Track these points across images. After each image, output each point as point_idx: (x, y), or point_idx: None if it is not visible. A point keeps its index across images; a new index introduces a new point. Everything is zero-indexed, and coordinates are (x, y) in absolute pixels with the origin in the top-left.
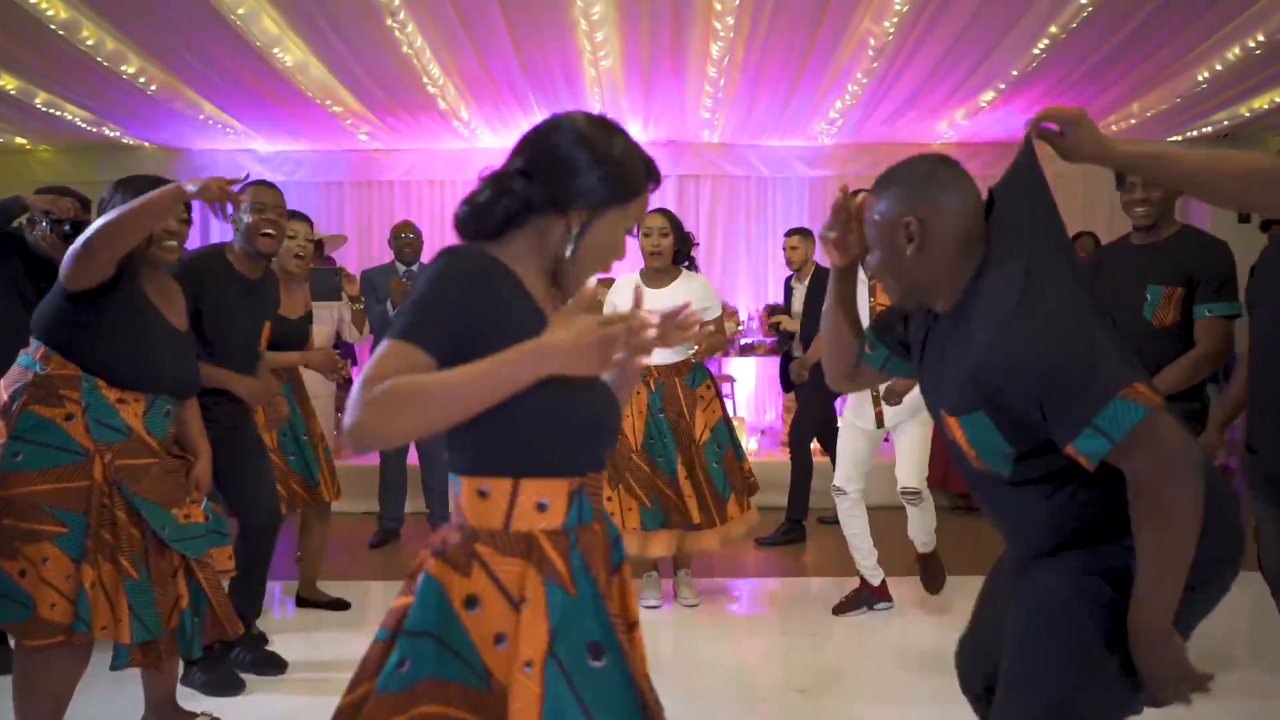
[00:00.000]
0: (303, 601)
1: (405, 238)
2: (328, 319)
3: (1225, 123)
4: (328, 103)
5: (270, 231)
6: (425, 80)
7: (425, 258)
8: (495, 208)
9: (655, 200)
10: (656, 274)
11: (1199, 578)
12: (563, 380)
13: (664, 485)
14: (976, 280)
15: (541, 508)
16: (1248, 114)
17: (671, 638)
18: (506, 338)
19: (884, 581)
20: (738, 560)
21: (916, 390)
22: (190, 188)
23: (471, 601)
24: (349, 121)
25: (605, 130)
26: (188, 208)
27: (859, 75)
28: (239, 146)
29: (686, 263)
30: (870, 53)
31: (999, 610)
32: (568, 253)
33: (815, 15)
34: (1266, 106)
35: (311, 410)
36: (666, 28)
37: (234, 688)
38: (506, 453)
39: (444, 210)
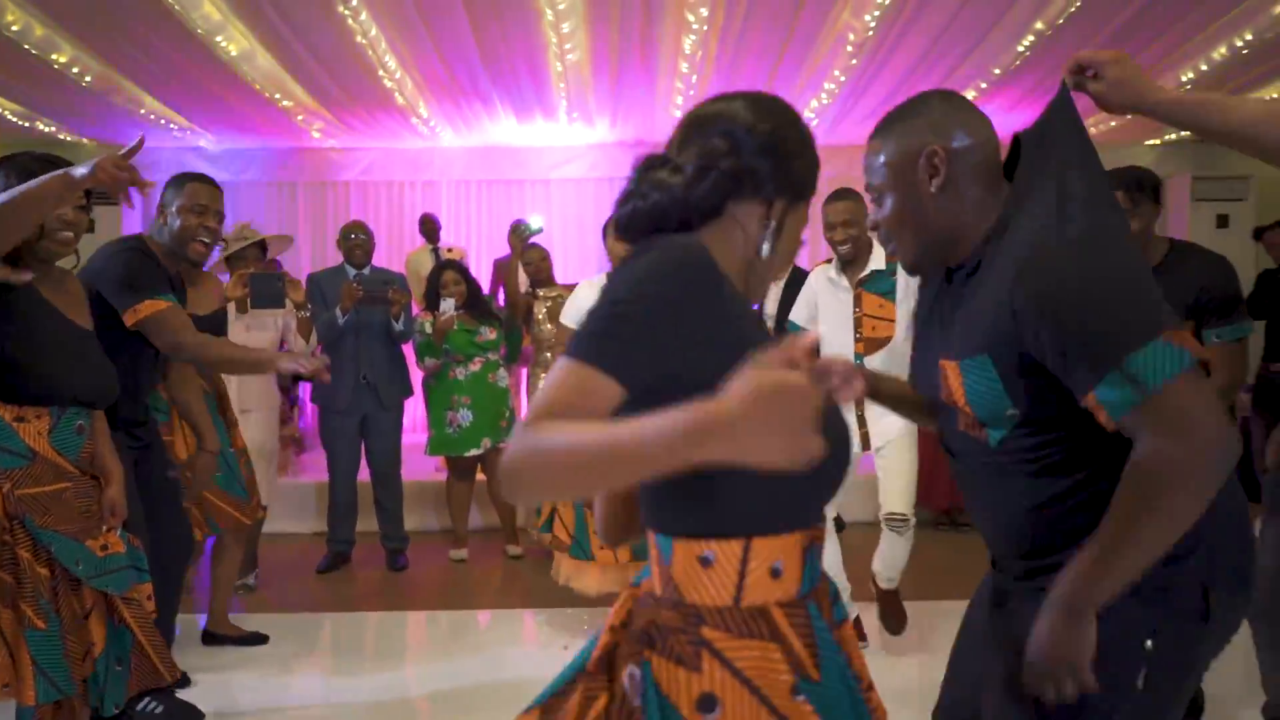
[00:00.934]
0: (212, 638)
1: (355, 239)
2: (272, 326)
3: None
4: (277, 96)
5: (206, 240)
6: (381, 73)
7: (378, 260)
8: (705, 188)
9: (605, 205)
10: None
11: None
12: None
13: None
14: (1001, 223)
15: (775, 574)
16: None
17: None
18: (729, 361)
19: (857, 618)
20: None
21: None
22: (79, 171)
23: (708, 703)
24: (300, 118)
25: (797, 115)
26: (88, 194)
27: (837, 73)
28: (185, 144)
29: None
30: (849, 49)
31: (977, 657)
32: (765, 249)
33: (793, 8)
34: None
35: (234, 420)
36: (637, 19)
37: None
38: (740, 506)
39: (403, 212)
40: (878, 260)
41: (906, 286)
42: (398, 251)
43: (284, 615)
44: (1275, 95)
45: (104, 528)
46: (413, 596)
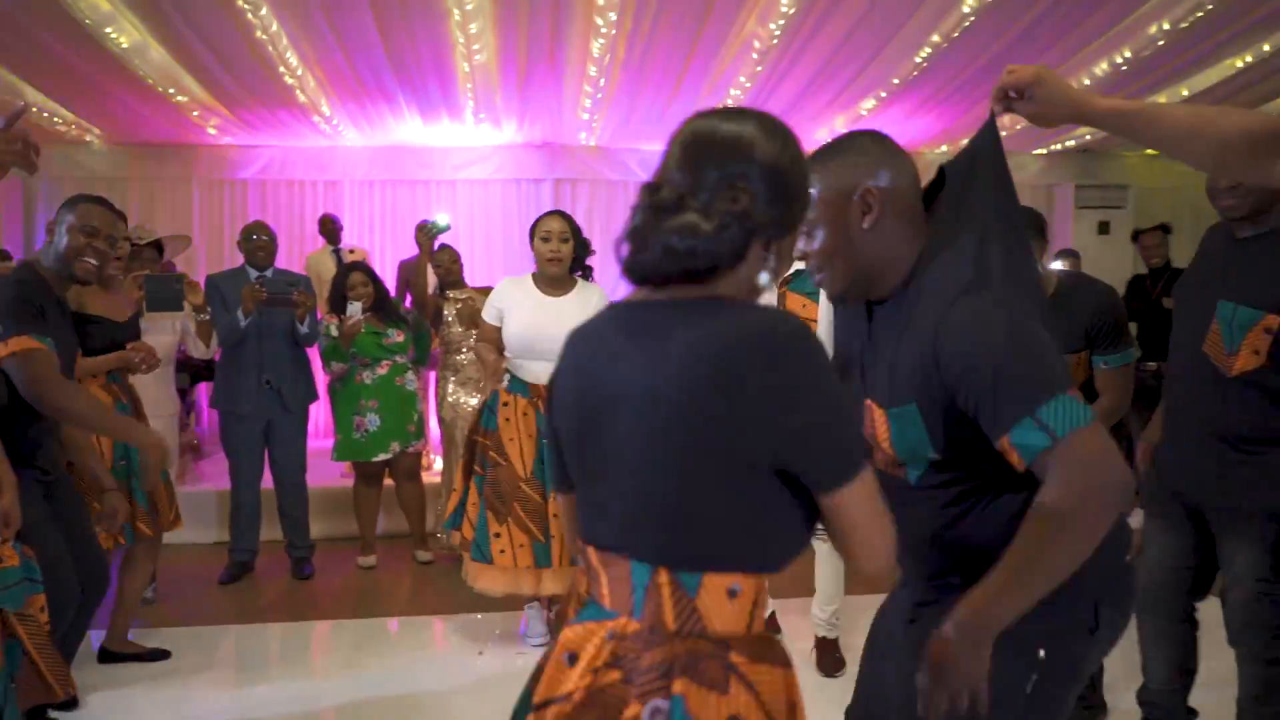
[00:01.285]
0: (109, 656)
1: (257, 240)
2: (170, 330)
3: (1088, 136)
4: (170, 91)
5: (94, 260)
6: (282, 70)
7: (281, 262)
8: (730, 237)
9: (530, 208)
10: (553, 281)
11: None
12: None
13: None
14: (923, 260)
15: (760, 605)
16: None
17: None
18: None
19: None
20: None
21: None
22: None
23: None
24: (196, 114)
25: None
26: None
27: (742, 79)
28: (72, 139)
29: (581, 272)
30: (754, 55)
31: (886, 667)
32: (764, 280)
33: (700, 13)
34: None
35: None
36: (545, 22)
37: None
38: (771, 546)
39: (304, 211)
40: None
41: None
42: (298, 252)
43: (185, 629)
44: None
45: None
46: (320, 606)
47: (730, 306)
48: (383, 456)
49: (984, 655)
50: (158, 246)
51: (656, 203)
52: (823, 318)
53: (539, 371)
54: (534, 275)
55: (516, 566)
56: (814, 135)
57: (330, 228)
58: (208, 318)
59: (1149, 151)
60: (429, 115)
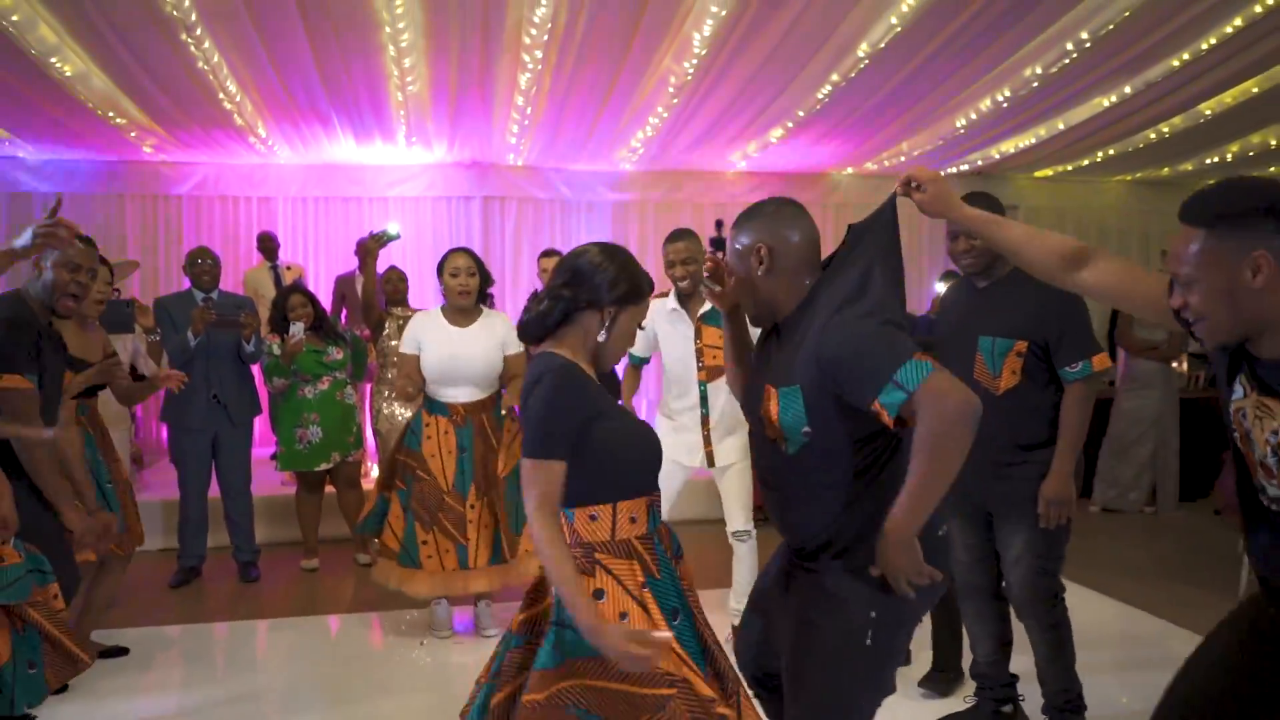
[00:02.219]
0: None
1: (203, 264)
2: (122, 350)
3: (980, 162)
4: (111, 115)
5: (76, 294)
6: (221, 96)
7: (223, 283)
8: (555, 311)
9: (460, 225)
10: (461, 312)
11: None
12: (635, 424)
13: (487, 520)
14: (820, 284)
15: (633, 520)
16: (997, 155)
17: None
18: (599, 414)
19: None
20: None
21: (744, 433)
22: (20, 243)
23: (599, 593)
24: (134, 134)
25: (619, 251)
26: None
27: (660, 109)
28: (1, 153)
29: (486, 301)
30: (671, 89)
31: (766, 620)
32: (602, 337)
33: (620, 52)
34: (1012, 150)
35: (115, 454)
36: (475, 58)
37: None
38: (608, 486)
39: (238, 228)
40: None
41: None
42: (232, 267)
43: (139, 630)
44: (1034, 140)
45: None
46: (266, 606)
47: (542, 355)
48: (324, 466)
49: (914, 550)
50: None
51: (530, 298)
52: None
53: (456, 394)
54: (443, 309)
55: (444, 570)
56: (729, 158)
57: (268, 245)
58: (157, 339)
59: (1037, 174)
60: (362, 138)
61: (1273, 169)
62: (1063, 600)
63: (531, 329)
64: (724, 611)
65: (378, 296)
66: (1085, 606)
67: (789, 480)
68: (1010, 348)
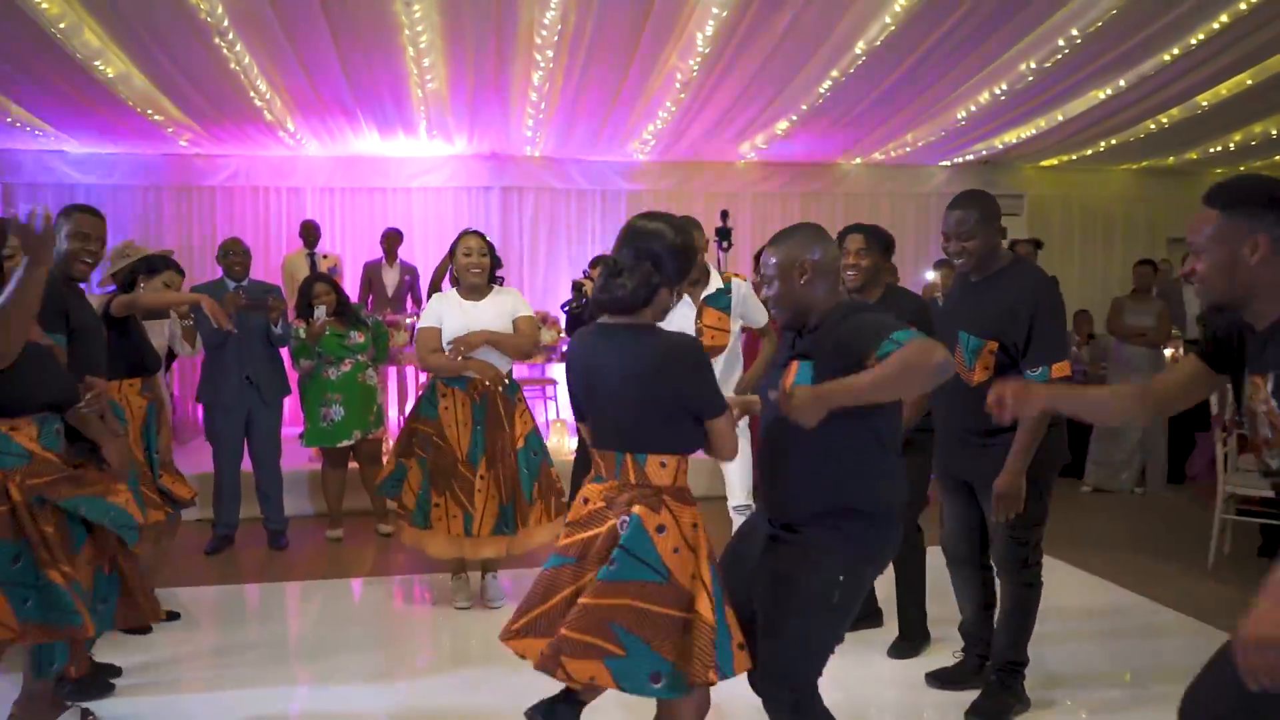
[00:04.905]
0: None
1: (234, 255)
2: (159, 334)
3: (984, 152)
4: (149, 112)
5: (88, 260)
6: (252, 94)
7: (254, 271)
8: (645, 289)
9: (480, 214)
10: (474, 289)
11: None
12: None
13: (491, 495)
14: (840, 308)
15: (684, 473)
16: (1001, 145)
17: (482, 636)
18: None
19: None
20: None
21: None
22: (42, 266)
23: (661, 529)
24: (170, 129)
25: (685, 232)
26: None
27: (668, 104)
28: (48, 148)
29: (498, 282)
30: (678, 85)
31: (743, 572)
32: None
33: (628, 52)
34: (1015, 140)
35: (170, 427)
36: (491, 58)
37: (102, 691)
38: (684, 441)
39: (268, 217)
40: (716, 282)
41: (740, 303)
42: (262, 255)
43: (181, 589)
44: (1035, 131)
45: (117, 485)
46: (294, 571)
47: (652, 331)
48: (346, 443)
49: (819, 414)
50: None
51: (607, 271)
52: (733, 331)
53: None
54: (456, 289)
55: (450, 533)
56: (738, 149)
57: (310, 232)
58: (191, 324)
59: (1043, 164)
60: (386, 131)
61: (1278, 157)
62: (1036, 566)
63: (623, 304)
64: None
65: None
66: (1063, 581)
67: (794, 453)
68: (983, 345)
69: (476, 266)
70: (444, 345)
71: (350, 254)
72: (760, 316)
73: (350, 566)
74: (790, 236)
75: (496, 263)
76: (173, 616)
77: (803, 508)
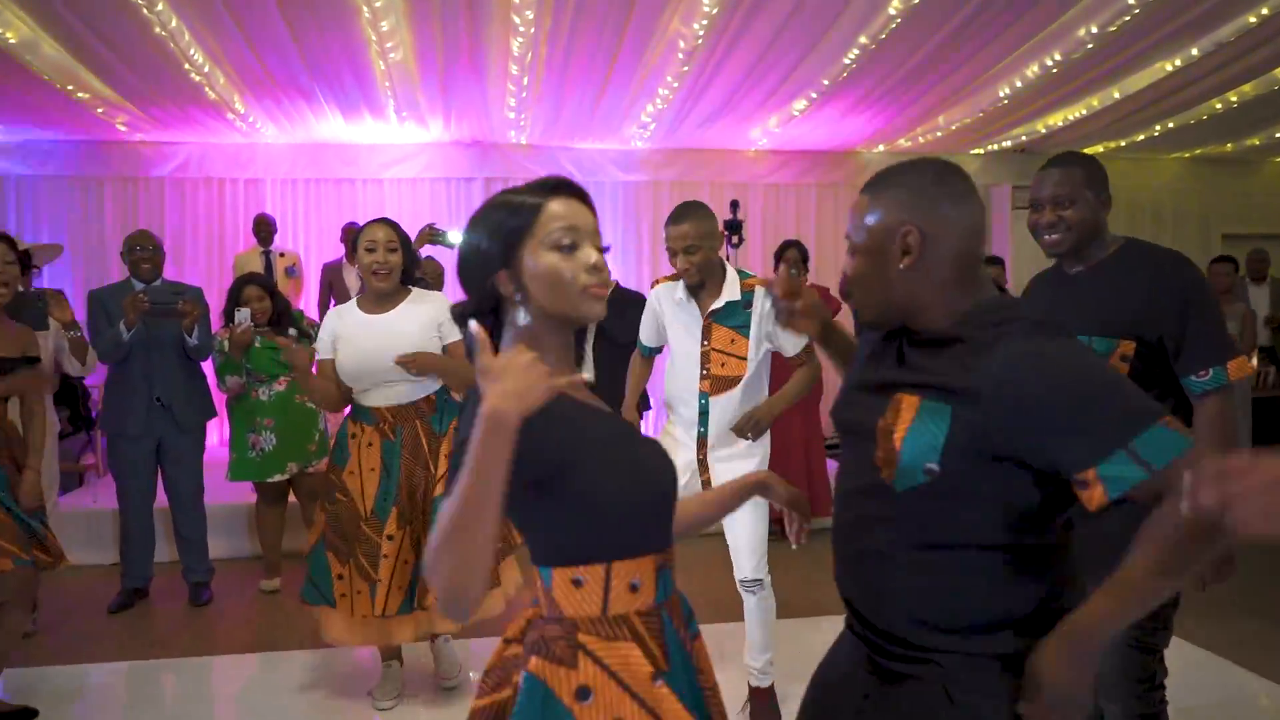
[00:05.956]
0: None
1: (141, 251)
2: (44, 349)
3: (1023, 138)
4: (70, 88)
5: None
6: (187, 67)
7: (200, 264)
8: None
9: (461, 208)
10: (380, 298)
11: None
12: (635, 453)
13: (407, 559)
14: (976, 309)
15: (634, 588)
16: (1043, 130)
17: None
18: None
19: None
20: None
21: (752, 461)
22: None
23: (583, 693)
24: (101, 110)
25: (479, 215)
26: None
27: (669, 79)
28: None
29: (413, 283)
30: (680, 55)
31: None
32: (521, 318)
33: (621, 13)
34: (1060, 124)
35: (34, 457)
36: (461, 21)
37: None
38: (598, 538)
39: (223, 212)
40: (732, 289)
41: (765, 320)
42: (218, 253)
43: (66, 668)
44: (1086, 111)
45: None
46: (218, 637)
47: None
48: (278, 477)
49: (1088, 670)
50: (25, 257)
51: None
52: (752, 357)
53: (380, 397)
54: (358, 299)
55: (354, 614)
56: (749, 134)
57: (264, 228)
58: (79, 334)
59: (1085, 151)
60: (350, 113)
61: None
62: (1161, 688)
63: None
64: (737, 666)
65: None
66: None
67: (885, 527)
68: (1113, 350)
69: (383, 266)
70: (350, 375)
71: (315, 253)
72: (793, 342)
73: (289, 631)
74: (896, 184)
75: (413, 260)
76: (25, 716)
77: (910, 617)
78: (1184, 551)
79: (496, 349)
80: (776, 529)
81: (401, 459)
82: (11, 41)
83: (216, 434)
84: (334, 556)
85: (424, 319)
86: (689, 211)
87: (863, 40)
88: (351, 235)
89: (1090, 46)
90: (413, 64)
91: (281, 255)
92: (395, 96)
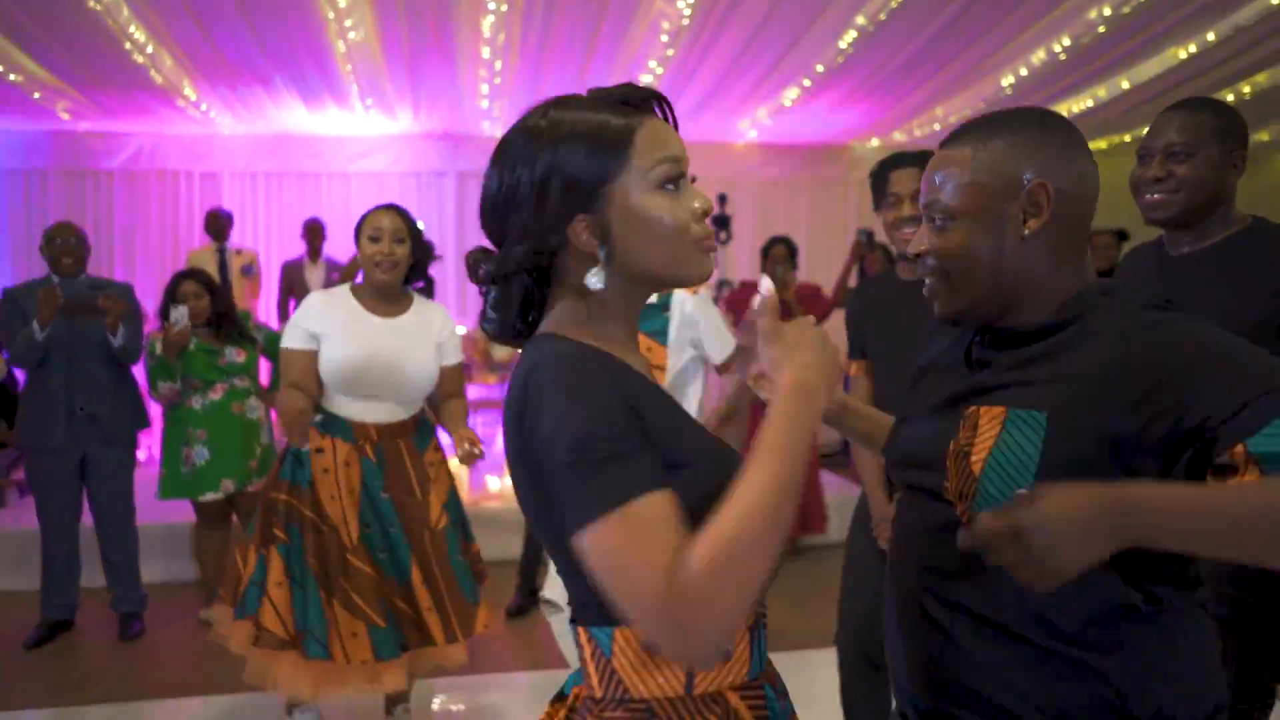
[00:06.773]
0: None
1: (61, 244)
2: None
3: None
4: (1, 70)
5: None
6: (128, 46)
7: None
8: (510, 294)
9: (432, 204)
10: (384, 295)
11: None
12: (718, 485)
13: (395, 594)
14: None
15: (725, 655)
16: None
17: None
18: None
19: None
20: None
21: None
22: None
23: None
24: (38, 94)
25: (541, 113)
26: None
27: (652, 64)
28: None
29: (420, 285)
30: (664, 37)
31: None
32: (594, 280)
33: None
34: (1064, 115)
35: None
36: None
37: None
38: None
39: (177, 207)
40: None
41: (683, 322)
42: (172, 250)
43: None
44: (1092, 103)
45: None
46: (150, 676)
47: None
48: (212, 496)
49: (1094, 551)
50: None
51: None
52: (671, 367)
53: (369, 412)
54: (353, 288)
55: (349, 661)
56: (737, 127)
57: (217, 223)
58: None
59: (1101, 144)
60: (312, 102)
61: None
62: None
63: (498, 330)
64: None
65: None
66: None
67: (956, 586)
68: None
69: (387, 258)
70: (338, 377)
71: (275, 251)
72: (720, 346)
73: (228, 668)
74: (1013, 130)
75: (426, 255)
76: None
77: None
78: None
79: (534, 322)
80: (788, 548)
81: (388, 484)
82: None
83: (152, 447)
84: (325, 596)
85: (430, 336)
86: None
87: (860, 21)
88: (315, 230)
89: (1101, 30)
90: (375, 44)
91: (238, 253)
92: (359, 82)
